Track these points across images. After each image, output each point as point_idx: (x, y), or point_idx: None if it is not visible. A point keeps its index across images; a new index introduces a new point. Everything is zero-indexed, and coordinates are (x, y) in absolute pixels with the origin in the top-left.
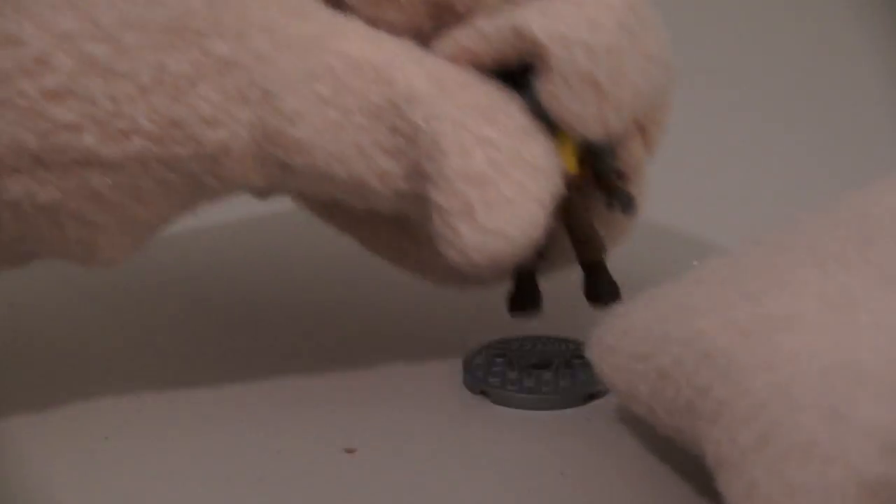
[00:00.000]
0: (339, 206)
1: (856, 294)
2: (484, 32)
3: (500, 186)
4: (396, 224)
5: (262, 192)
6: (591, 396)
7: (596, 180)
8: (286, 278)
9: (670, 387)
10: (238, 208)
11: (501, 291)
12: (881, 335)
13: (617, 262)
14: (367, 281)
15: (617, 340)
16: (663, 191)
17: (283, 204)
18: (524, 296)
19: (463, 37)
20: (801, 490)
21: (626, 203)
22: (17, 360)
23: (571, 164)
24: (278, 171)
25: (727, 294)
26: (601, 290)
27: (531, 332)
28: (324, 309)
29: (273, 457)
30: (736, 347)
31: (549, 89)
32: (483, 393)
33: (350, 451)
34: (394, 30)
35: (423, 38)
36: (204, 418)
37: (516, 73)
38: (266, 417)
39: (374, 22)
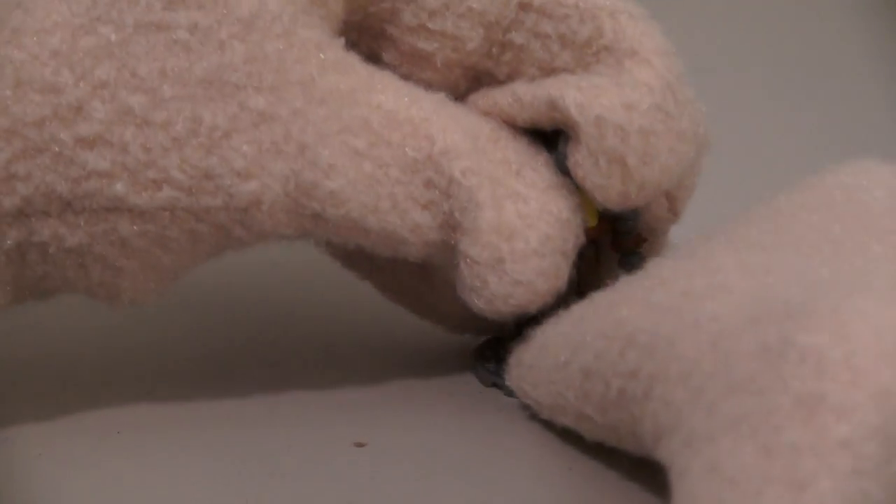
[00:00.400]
0: (359, 253)
1: (773, 265)
2: (520, 98)
3: (528, 238)
4: (416, 273)
5: (286, 239)
6: None
7: (614, 240)
8: (297, 273)
9: (598, 383)
10: None
11: None
12: (802, 283)
13: None
14: None
15: (534, 358)
16: None
17: None
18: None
19: (499, 96)
20: (741, 420)
21: (639, 266)
22: (26, 359)
23: (593, 219)
24: (310, 222)
25: (643, 285)
26: None
27: None
28: (334, 302)
29: (284, 450)
30: (659, 324)
31: (576, 159)
32: (495, 385)
33: (360, 444)
34: (430, 88)
35: (459, 95)
36: (214, 412)
37: (547, 131)
38: (277, 411)
39: (410, 80)
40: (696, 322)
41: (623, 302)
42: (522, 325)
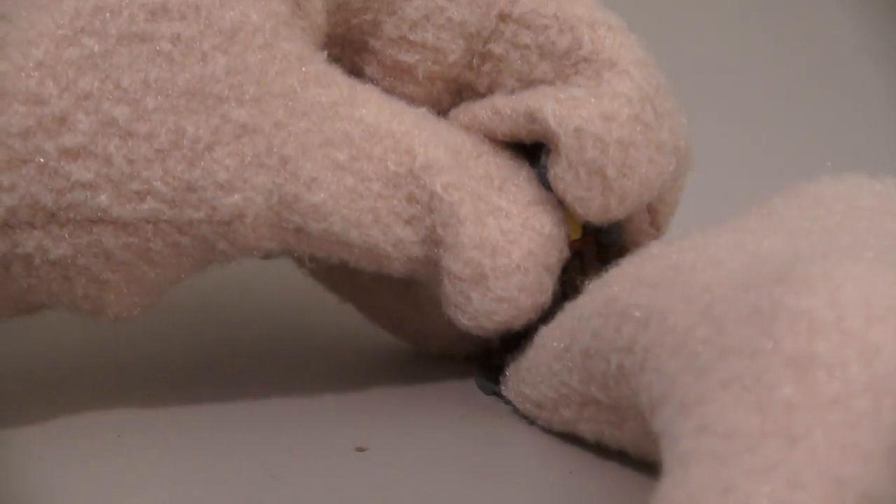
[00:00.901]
0: (343, 275)
1: (764, 243)
2: (500, 111)
3: (511, 254)
4: (400, 295)
5: (270, 254)
6: None
7: (598, 252)
8: (298, 276)
9: (599, 361)
10: None
11: None
12: (793, 253)
13: None
14: None
15: (532, 358)
16: None
17: None
18: (509, 350)
19: (479, 110)
20: (733, 381)
21: None
22: (27, 362)
23: (576, 232)
24: (293, 236)
25: (633, 262)
26: None
27: None
28: (337, 308)
29: (284, 455)
30: (651, 298)
31: (556, 172)
32: (495, 394)
33: (361, 449)
34: (412, 102)
35: (441, 109)
36: (216, 417)
37: (529, 145)
38: (278, 416)
39: (392, 94)
40: (688, 294)
41: (614, 280)
42: (508, 341)
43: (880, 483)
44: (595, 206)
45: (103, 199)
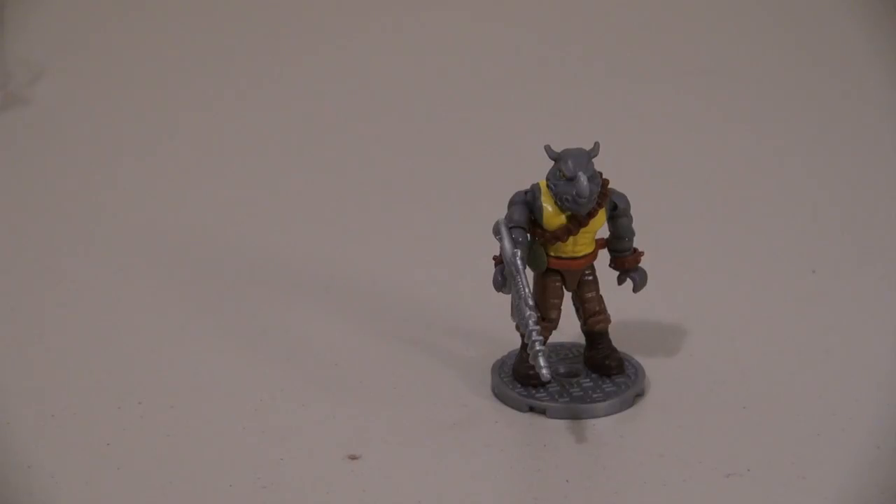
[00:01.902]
0: None
1: None
2: None
3: None
4: None
5: None
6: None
7: (613, 260)
8: (300, 284)
9: None
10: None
11: None
12: None
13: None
14: (393, 291)
15: None
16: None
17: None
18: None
19: None
20: None
21: (637, 282)
22: (20, 365)
23: (589, 246)
24: None
25: None
26: (605, 357)
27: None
28: (329, 313)
29: (276, 465)
30: None
31: None
32: (532, 410)
33: (353, 457)
34: None
35: None
36: (206, 426)
37: None
38: (268, 424)
39: None
40: None
41: None
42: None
43: None
44: None
45: None
